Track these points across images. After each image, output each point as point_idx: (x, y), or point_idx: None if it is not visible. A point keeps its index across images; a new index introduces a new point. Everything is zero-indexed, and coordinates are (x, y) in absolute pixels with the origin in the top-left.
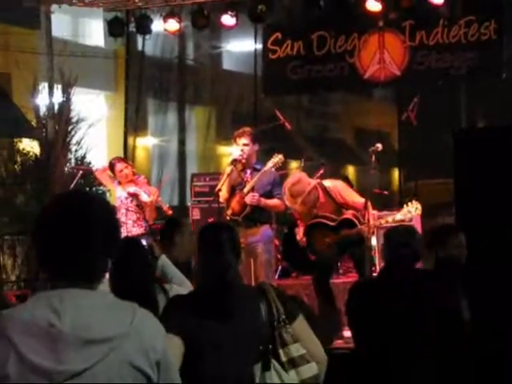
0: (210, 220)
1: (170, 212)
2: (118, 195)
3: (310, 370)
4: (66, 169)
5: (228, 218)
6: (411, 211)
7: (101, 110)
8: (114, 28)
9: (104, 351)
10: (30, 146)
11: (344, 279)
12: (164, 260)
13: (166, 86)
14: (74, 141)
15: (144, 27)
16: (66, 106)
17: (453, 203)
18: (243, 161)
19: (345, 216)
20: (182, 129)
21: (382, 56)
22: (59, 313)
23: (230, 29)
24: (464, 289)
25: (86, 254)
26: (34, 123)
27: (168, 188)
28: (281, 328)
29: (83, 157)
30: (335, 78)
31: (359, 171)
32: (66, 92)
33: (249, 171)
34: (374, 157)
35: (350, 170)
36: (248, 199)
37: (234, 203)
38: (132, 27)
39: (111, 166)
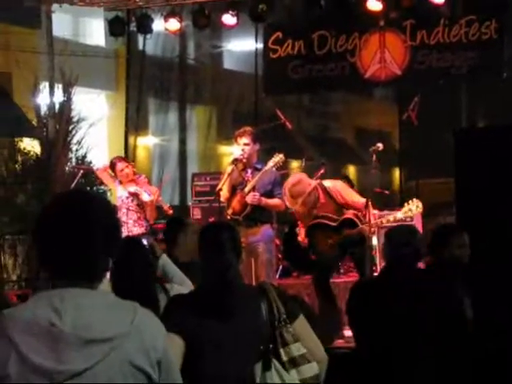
0: (211, 219)
1: (171, 212)
2: (118, 195)
3: (311, 369)
4: (67, 168)
5: (229, 217)
6: (412, 209)
7: (102, 109)
8: (114, 27)
9: (105, 351)
10: (30, 145)
11: (345, 279)
12: (165, 259)
13: (166, 85)
14: (74, 140)
15: (145, 27)
16: (66, 105)
17: (454, 203)
18: (244, 160)
19: (346, 216)
20: (182, 128)
21: (383, 55)
22: (60, 312)
23: (230, 28)
24: (466, 288)
25: (86, 253)
26: (34, 123)
27: (169, 187)
28: (281, 327)
29: (84, 156)
30: (336, 78)
31: (360, 171)
32: (66, 91)
33: (250, 171)
34: (374, 156)
35: (351, 170)
36: (249, 199)
37: (235, 203)
38: (133, 27)
39: (112, 166)
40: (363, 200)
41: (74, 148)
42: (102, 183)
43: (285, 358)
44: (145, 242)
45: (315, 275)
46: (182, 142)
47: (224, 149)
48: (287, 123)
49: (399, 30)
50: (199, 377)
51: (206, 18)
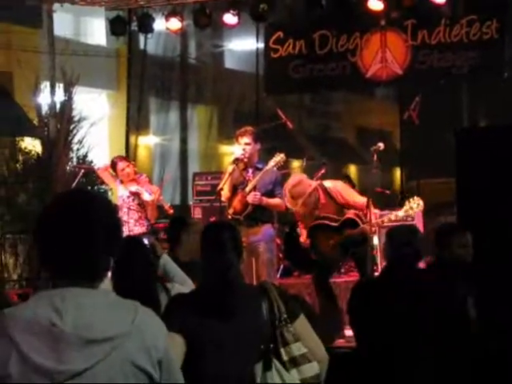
0: (212, 219)
1: (171, 211)
2: (119, 194)
3: (312, 369)
4: (68, 167)
5: (230, 217)
6: (413, 207)
7: (103, 108)
8: (115, 27)
9: (106, 351)
10: (31, 144)
11: (346, 278)
12: (166, 259)
13: (167, 84)
14: (75, 139)
15: (146, 26)
16: (67, 104)
17: (455, 202)
18: (245, 160)
19: (347, 216)
20: (183, 128)
21: (384, 55)
22: (61, 312)
23: (231, 28)
24: (470, 287)
25: (87, 252)
26: (35, 122)
27: (170, 187)
28: (282, 327)
29: (85, 155)
30: (337, 77)
31: (361, 170)
32: (67, 91)
33: (251, 170)
34: (375, 156)
35: (352, 169)
36: (250, 198)
37: (236, 202)
38: (134, 26)
39: (113, 165)
40: (364, 199)
41: (75, 147)
42: (102, 182)
43: (285, 358)
44: (146, 241)
45: (315, 274)
46: (183, 141)
47: (225, 148)
48: (288, 123)
49: (400, 29)
50: (200, 376)
51: (207, 18)
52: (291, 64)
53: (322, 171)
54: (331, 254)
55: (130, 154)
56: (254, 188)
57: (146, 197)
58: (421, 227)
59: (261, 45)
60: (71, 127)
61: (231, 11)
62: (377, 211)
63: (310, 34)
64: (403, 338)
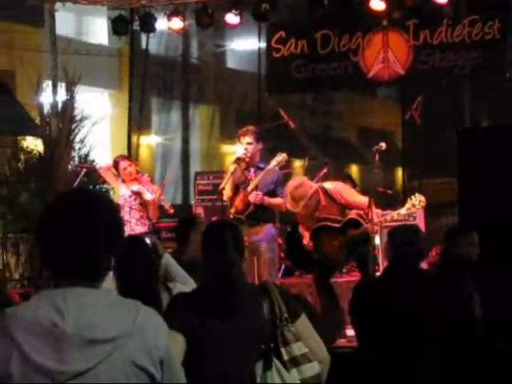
0: (214, 218)
1: (172, 211)
2: (121, 193)
3: (312, 368)
4: (70, 167)
5: (231, 216)
6: (415, 204)
7: (104, 108)
8: (118, 26)
9: (107, 351)
10: (33, 143)
11: (347, 278)
12: (167, 258)
13: (169, 84)
14: (77, 139)
15: (148, 25)
16: (69, 104)
17: (456, 202)
18: (247, 159)
19: (350, 216)
20: (185, 127)
21: (386, 55)
22: (62, 312)
23: (233, 27)
24: (476, 286)
25: (89, 252)
26: (37, 121)
27: (172, 186)
28: (283, 326)
29: (87, 155)
30: (339, 77)
31: (363, 170)
32: (69, 90)
33: (252, 170)
34: (377, 156)
35: (354, 169)
36: (251, 198)
37: (238, 202)
38: (136, 25)
39: (115, 164)
40: (365, 199)
41: (77, 147)
42: (104, 182)
43: (286, 358)
44: (148, 240)
45: (316, 274)
46: (185, 140)
47: (227, 148)
48: (290, 122)
49: (402, 29)
50: (201, 376)
51: (209, 17)
52: (293, 64)
53: (324, 171)
54: (336, 255)
55: (131, 154)
56: (256, 187)
57: (148, 196)
58: (422, 227)
59: (263, 44)
60: (73, 126)
61: (233, 11)
62: (378, 211)
63: (312, 33)
64: (405, 337)
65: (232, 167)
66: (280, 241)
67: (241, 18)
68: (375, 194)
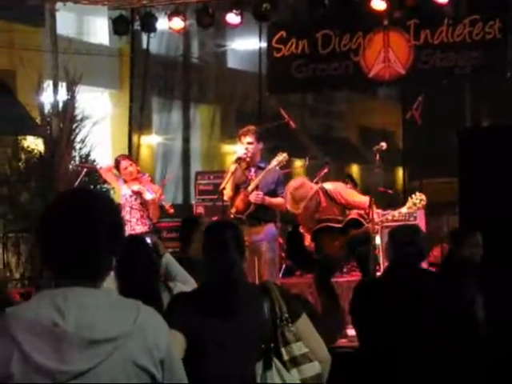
0: (215, 218)
1: (172, 211)
2: (122, 193)
3: (313, 368)
4: (71, 166)
5: (232, 216)
6: (416, 203)
7: (105, 107)
8: (118, 26)
9: (108, 351)
10: (34, 143)
11: (348, 278)
12: (168, 258)
13: (170, 84)
14: (78, 139)
15: (149, 25)
16: (70, 103)
17: (457, 202)
18: (247, 159)
19: (351, 216)
20: (186, 127)
21: (387, 55)
22: (63, 312)
23: (234, 27)
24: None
25: (90, 252)
26: (38, 121)
27: (172, 186)
28: (283, 326)
29: (87, 155)
30: (340, 77)
31: (363, 170)
32: (70, 90)
33: (253, 169)
34: (378, 155)
35: (355, 169)
36: (252, 198)
37: (239, 201)
38: (137, 25)
39: (117, 163)
40: (366, 199)
41: (78, 146)
42: (105, 181)
43: (286, 357)
44: (148, 240)
45: (317, 274)
46: (186, 140)
47: (227, 147)
48: (291, 122)
49: (403, 29)
50: (202, 375)
51: (210, 17)
52: (294, 63)
53: (325, 171)
54: (337, 255)
55: (132, 154)
56: (257, 187)
57: (148, 196)
58: (423, 227)
59: (263, 44)
60: (74, 126)
61: (234, 11)
62: (379, 211)
63: (313, 33)
64: (405, 338)
65: (233, 167)
66: (281, 241)
67: (241, 18)
68: (376, 194)
